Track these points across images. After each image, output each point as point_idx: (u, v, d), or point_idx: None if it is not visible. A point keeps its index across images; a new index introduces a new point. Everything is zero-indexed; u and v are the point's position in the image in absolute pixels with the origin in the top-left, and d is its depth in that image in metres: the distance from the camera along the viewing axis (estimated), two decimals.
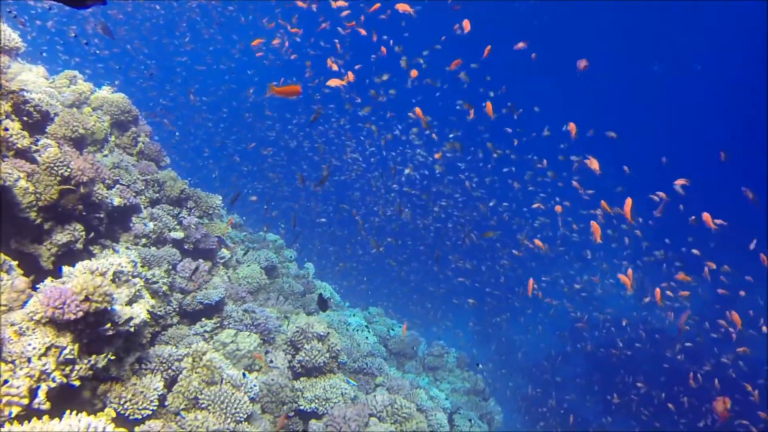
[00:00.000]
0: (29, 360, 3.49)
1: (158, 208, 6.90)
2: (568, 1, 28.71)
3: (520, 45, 9.71)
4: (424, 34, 15.34)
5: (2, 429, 3.23)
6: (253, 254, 8.62)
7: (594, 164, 8.11)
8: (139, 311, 4.30)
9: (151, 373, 4.82)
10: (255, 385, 5.55)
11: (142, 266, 5.88)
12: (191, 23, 24.37)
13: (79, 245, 4.83)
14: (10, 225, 4.42)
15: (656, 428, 15.57)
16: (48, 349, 3.60)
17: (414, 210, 19.21)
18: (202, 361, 5.07)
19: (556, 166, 12.74)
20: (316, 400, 6.09)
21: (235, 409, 4.92)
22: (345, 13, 10.32)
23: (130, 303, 4.46)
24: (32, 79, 6.60)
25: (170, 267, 6.33)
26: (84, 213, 4.95)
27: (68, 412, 3.47)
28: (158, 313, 5.86)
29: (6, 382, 3.37)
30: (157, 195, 7.08)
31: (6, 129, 4.57)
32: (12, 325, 3.59)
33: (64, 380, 3.66)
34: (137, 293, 4.49)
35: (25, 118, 5.06)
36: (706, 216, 8.14)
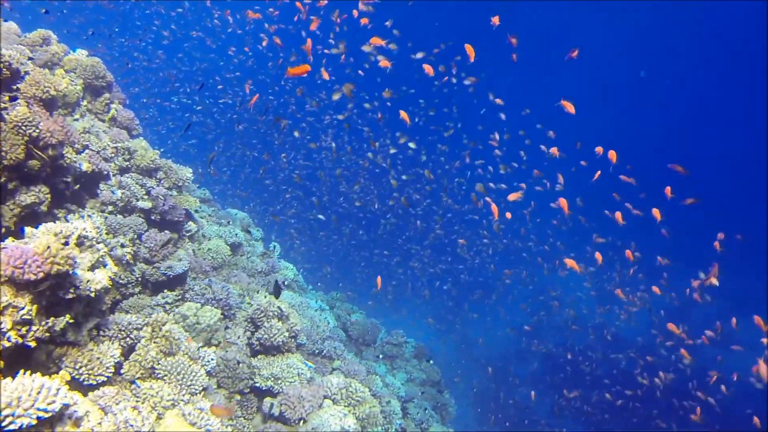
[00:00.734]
0: None
1: (127, 176, 6.84)
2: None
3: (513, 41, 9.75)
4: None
5: None
6: (220, 229, 8.61)
7: (554, 151, 8.27)
8: (101, 277, 4.30)
9: (108, 340, 4.82)
10: (212, 359, 5.60)
11: (107, 233, 5.85)
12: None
13: (44, 208, 4.78)
14: None
15: (604, 429, 16.15)
16: (5, 308, 3.59)
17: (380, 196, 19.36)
18: (161, 332, 5.09)
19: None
20: (272, 379, 6.17)
21: (191, 381, 4.97)
22: (322, 2, 10.24)
23: (92, 269, 4.45)
24: (2, 35, 6.45)
25: (135, 236, 6.30)
26: (51, 176, 4.90)
27: (21, 371, 3.48)
28: (120, 281, 5.85)
29: None
30: (127, 163, 7.01)
31: None
32: None
33: (20, 340, 3.66)
34: (100, 259, 4.48)
35: None
36: (655, 211, 8.36)
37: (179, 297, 6.41)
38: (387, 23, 10.34)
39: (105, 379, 4.44)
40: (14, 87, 5.21)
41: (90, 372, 4.35)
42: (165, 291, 6.32)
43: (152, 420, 4.09)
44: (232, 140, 23.78)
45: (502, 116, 12.80)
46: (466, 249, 19.21)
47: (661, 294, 12.39)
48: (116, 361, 4.58)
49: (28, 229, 4.18)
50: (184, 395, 4.86)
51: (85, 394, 4.28)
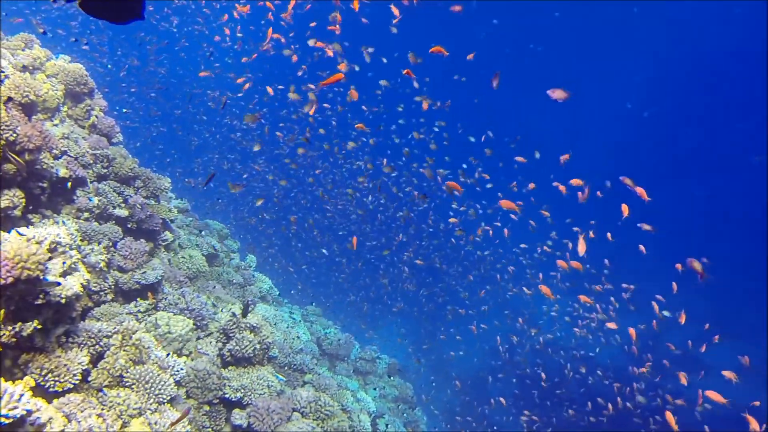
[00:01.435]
0: None
1: (105, 183, 6.84)
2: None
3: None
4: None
5: None
6: (196, 240, 8.61)
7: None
8: (72, 284, 4.31)
9: (77, 347, 4.81)
10: (182, 369, 5.59)
11: (81, 240, 5.84)
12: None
13: (18, 212, 4.79)
14: None
15: None
16: None
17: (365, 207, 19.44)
18: (131, 340, 5.09)
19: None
20: (242, 390, 6.17)
21: (159, 390, 4.97)
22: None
23: (64, 275, 4.46)
24: None
25: (110, 244, 6.29)
26: (27, 180, 4.91)
27: None
28: (93, 288, 5.83)
29: None
30: (106, 171, 7.02)
31: None
32: None
33: None
34: (72, 266, 4.49)
35: None
36: (624, 206, 8.36)
37: (152, 306, 6.40)
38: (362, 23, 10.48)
39: (71, 386, 4.42)
40: None
41: (56, 378, 4.33)
42: (138, 299, 6.31)
43: (117, 428, 4.09)
44: (212, 149, 23.78)
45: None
46: (442, 263, 19.37)
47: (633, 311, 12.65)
48: (84, 368, 4.57)
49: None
50: (151, 404, 4.86)
51: (50, 401, 4.26)
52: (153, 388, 4.95)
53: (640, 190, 7.60)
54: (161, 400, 4.97)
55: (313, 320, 11.39)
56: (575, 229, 11.90)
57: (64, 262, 4.44)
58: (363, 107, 14.65)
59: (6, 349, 4.03)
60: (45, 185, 5.29)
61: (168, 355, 5.65)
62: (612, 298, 13.57)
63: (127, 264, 6.34)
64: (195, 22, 20.97)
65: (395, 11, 9.29)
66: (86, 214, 6.25)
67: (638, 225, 8.30)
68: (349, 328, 16.82)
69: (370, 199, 17.92)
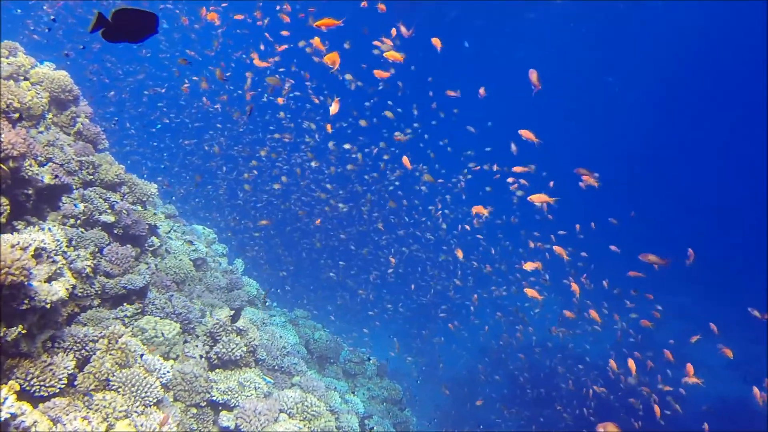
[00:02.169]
0: None
1: (90, 190, 6.89)
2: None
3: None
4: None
5: None
6: (183, 245, 8.67)
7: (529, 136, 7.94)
8: (58, 289, 4.37)
9: (63, 352, 4.87)
10: (168, 371, 5.66)
11: (67, 246, 5.89)
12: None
13: (2, 219, 4.84)
14: None
15: None
16: None
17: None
18: (118, 344, 5.15)
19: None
20: (229, 392, 6.25)
21: (146, 392, 5.03)
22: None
23: (49, 280, 4.52)
24: None
25: (97, 250, 6.34)
26: (11, 187, 4.96)
27: None
28: (79, 293, 5.88)
29: None
30: (91, 177, 7.07)
31: None
32: None
33: None
34: (58, 271, 4.55)
35: None
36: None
37: (138, 310, 6.45)
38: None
39: (57, 390, 4.48)
40: None
41: (42, 383, 4.39)
42: (124, 304, 6.36)
43: (102, 430, 4.15)
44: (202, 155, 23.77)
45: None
46: (431, 266, 19.50)
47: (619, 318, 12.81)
48: (70, 372, 4.63)
49: None
50: (137, 406, 4.92)
51: (35, 406, 4.31)
52: (139, 391, 5.01)
53: (590, 179, 7.68)
54: (147, 402, 5.03)
55: (302, 323, 11.46)
56: (561, 232, 12.09)
57: (49, 268, 4.50)
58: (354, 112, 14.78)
59: None
60: (30, 192, 5.34)
61: (155, 358, 5.71)
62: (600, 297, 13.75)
63: (113, 269, 6.40)
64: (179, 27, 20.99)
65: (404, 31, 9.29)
66: (72, 221, 6.30)
67: (609, 219, 8.45)
68: (339, 330, 16.91)
69: (368, 202, 18.01)
